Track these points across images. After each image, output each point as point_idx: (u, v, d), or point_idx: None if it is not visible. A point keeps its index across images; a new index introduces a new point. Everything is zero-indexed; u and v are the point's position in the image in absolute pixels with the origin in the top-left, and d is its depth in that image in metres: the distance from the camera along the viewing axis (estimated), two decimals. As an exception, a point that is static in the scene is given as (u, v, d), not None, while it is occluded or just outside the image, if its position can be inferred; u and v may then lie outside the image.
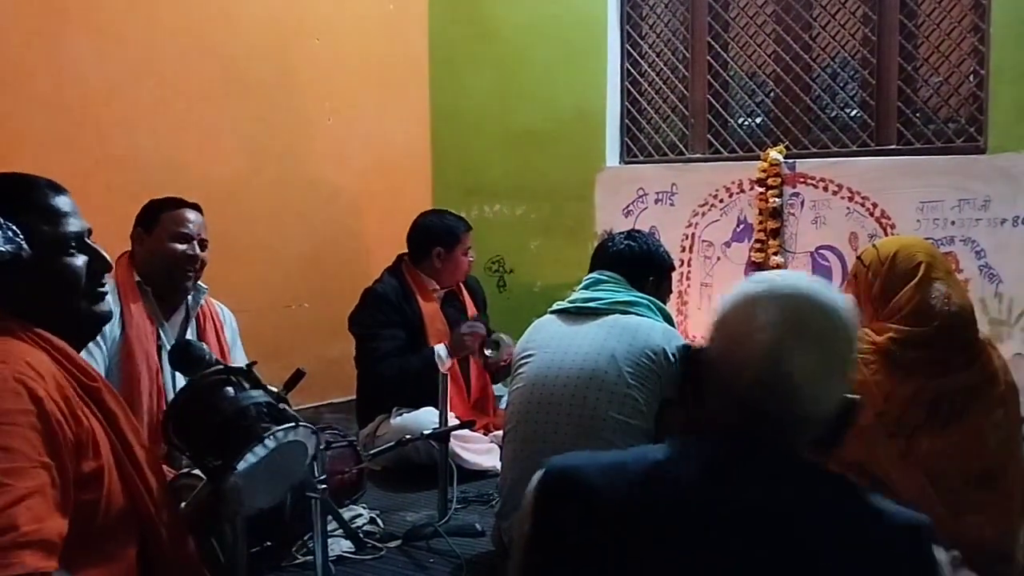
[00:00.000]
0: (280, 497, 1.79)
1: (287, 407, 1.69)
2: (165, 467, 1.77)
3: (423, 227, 3.84)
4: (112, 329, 2.61)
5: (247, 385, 1.70)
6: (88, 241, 1.52)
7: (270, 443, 1.57)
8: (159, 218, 2.80)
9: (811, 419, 1.18)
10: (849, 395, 1.21)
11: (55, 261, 1.45)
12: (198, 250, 2.79)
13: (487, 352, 3.68)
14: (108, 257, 1.55)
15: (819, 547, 1.11)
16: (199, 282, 2.85)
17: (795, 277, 1.25)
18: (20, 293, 1.41)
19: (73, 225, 1.48)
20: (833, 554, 1.11)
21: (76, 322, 1.49)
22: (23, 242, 1.37)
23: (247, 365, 1.77)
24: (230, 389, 1.67)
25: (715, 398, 1.21)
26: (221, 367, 1.73)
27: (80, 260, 1.49)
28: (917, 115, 3.97)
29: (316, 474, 2.26)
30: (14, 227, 1.36)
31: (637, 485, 1.15)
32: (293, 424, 1.62)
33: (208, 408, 1.64)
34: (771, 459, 1.16)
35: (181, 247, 2.76)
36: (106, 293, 1.55)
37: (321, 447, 2.38)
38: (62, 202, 1.49)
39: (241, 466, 1.54)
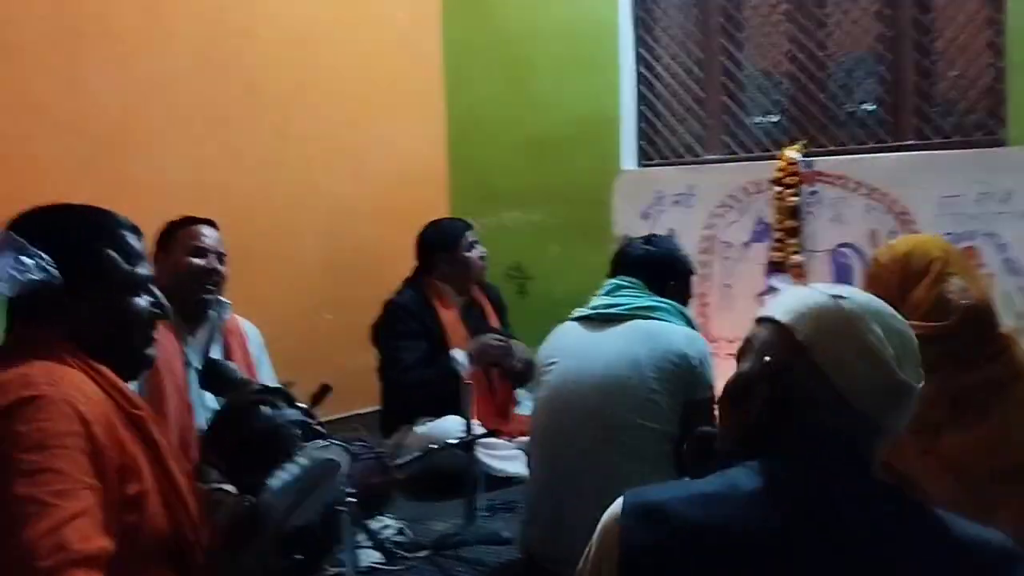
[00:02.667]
0: (313, 515, 1.81)
1: (320, 427, 1.72)
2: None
3: (421, 240, 3.90)
4: None
5: (283, 405, 1.73)
6: (152, 287, 1.59)
7: (303, 460, 1.59)
8: (175, 236, 2.84)
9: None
10: None
11: (125, 299, 1.52)
12: (216, 263, 2.82)
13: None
14: (167, 305, 1.63)
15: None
16: (222, 298, 2.88)
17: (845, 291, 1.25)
18: (83, 321, 1.46)
19: (145, 268, 1.56)
20: None
21: (129, 359, 1.55)
22: (55, 271, 1.40)
23: (284, 385, 1.80)
24: (266, 408, 1.70)
25: (816, 413, 1.18)
26: (258, 387, 1.77)
27: (146, 302, 1.56)
28: (935, 109, 3.95)
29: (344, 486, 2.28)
30: (47, 257, 1.40)
31: (739, 517, 1.12)
32: (326, 442, 1.65)
33: (244, 426, 1.67)
34: (858, 482, 1.16)
35: (198, 261, 2.79)
36: (156, 339, 1.60)
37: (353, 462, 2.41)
38: (140, 245, 1.57)
39: (274, 483, 1.56)
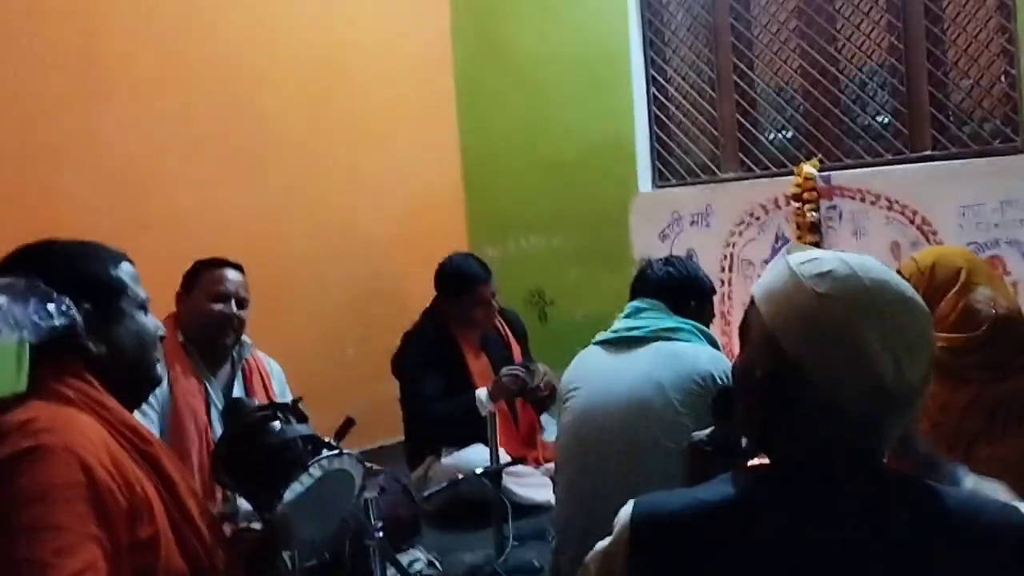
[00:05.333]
0: (331, 529, 1.81)
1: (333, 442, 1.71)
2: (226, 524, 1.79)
3: (437, 271, 3.85)
4: (162, 391, 2.66)
5: (293, 420, 1.73)
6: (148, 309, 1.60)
7: (315, 471, 1.59)
8: (198, 277, 2.85)
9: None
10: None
11: (138, 320, 1.54)
12: (235, 308, 2.82)
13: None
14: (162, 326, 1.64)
15: (932, 566, 1.07)
16: (244, 338, 2.89)
17: (867, 269, 1.12)
18: (97, 345, 1.46)
19: (144, 292, 1.57)
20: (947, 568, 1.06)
21: (141, 381, 1.56)
22: (76, 315, 1.41)
23: (293, 401, 1.80)
24: (276, 424, 1.70)
25: (810, 421, 1.12)
26: (267, 403, 1.77)
27: (151, 322, 1.57)
28: (951, 119, 3.93)
29: (372, 519, 2.27)
30: (67, 300, 1.40)
31: (743, 526, 1.09)
32: (338, 452, 1.64)
33: (255, 443, 1.67)
34: (866, 481, 1.11)
35: (218, 307, 2.80)
36: (159, 359, 1.61)
37: (376, 494, 2.40)
38: (134, 269, 1.58)
39: (288, 495, 1.55)
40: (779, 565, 1.07)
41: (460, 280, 3.76)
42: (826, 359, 1.08)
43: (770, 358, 1.13)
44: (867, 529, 1.07)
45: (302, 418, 1.76)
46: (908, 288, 1.13)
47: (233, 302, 2.82)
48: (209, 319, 2.79)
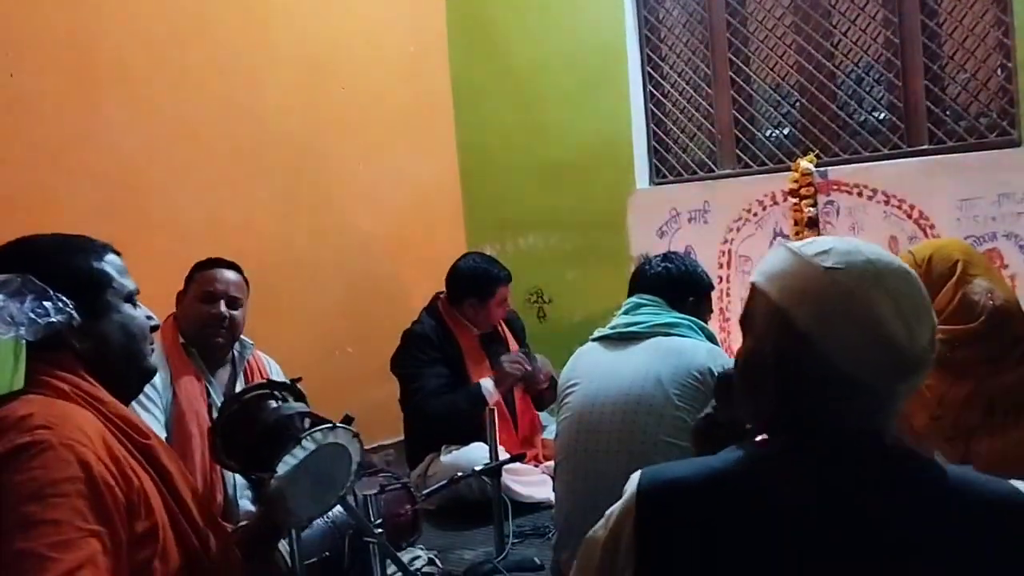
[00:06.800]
0: (329, 506, 1.80)
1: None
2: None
3: (459, 274, 3.85)
4: (165, 392, 2.66)
5: (290, 398, 1.73)
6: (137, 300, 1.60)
7: (308, 444, 1.59)
8: (194, 278, 2.86)
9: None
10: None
11: (124, 312, 1.53)
12: (223, 308, 2.80)
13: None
14: (155, 316, 1.62)
15: (935, 540, 1.07)
16: (244, 338, 2.89)
17: (863, 245, 1.15)
18: (90, 339, 1.45)
19: (132, 283, 1.56)
20: (947, 544, 1.07)
21: (136, 373, 1.55)
22: (73, 312, 1.41)
23: (291, 380, 1.80)
24: (272, 402, 1.70)
25: (821, 394, 1.12)
26: (264, 382, 1.77)
27: (141, 313, 1.56)
28: (947, 113, 3.93)
29: (372, 517, 2.28)
30: (64, 298, 1.40)
31: (752, 495, 1.10)
32: (331, 425, 1.63)
33: (251, 420, 1.67)
34: (874, 453, 1.11)
35: (207, 307, 2.79)
36: (153, 349, 1.60)
37: (375, 492, 2.40)
38: (121, 261, 1.57)
39: (280, 468, 1.55)
40: (786, 532, 1.07)
41: (487, 282, 3.80)
42: (840, 330, 1.09)
43: (779, 336, 1.13)
44: (873, 500, 1.08)
45: (299, 397, 1.76)
46: (903, 263, 1.16)
47: (223, 302, 2.81)
48: (199, 319, 2.79)
